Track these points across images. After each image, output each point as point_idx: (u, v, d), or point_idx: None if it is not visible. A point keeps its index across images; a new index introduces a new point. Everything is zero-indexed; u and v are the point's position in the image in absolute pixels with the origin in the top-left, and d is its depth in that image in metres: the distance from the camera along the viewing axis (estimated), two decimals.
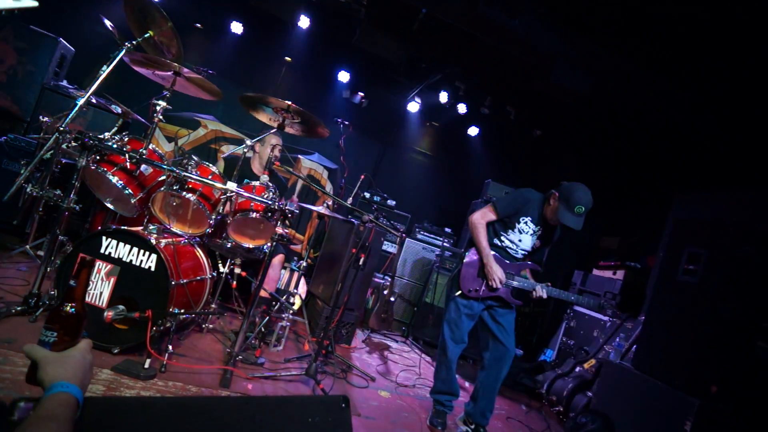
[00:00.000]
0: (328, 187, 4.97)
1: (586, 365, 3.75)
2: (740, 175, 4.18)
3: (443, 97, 6.01)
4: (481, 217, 2.75)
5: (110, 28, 3.11)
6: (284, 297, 3.20)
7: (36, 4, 1.78)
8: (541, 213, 2.76)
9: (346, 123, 4.37)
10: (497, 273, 2.65)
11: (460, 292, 2.74)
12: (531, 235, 2.78)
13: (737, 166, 4.24)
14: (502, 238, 2.79)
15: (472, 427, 2.79)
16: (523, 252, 2.82)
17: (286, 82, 6.03)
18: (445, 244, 5.27)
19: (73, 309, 0.92)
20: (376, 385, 3.21)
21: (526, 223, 2.75)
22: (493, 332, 2.79)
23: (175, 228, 2.70)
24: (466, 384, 3.89)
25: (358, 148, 6.02)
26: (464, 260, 2.77)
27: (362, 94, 6.19)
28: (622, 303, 4.19)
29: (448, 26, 4.41)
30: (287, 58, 5.96)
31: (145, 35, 2.80)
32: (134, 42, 2.71)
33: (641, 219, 5.44)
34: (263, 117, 2.94)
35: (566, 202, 2.59)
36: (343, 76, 5.97)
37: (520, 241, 2.78)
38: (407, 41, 4.76)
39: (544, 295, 2.68)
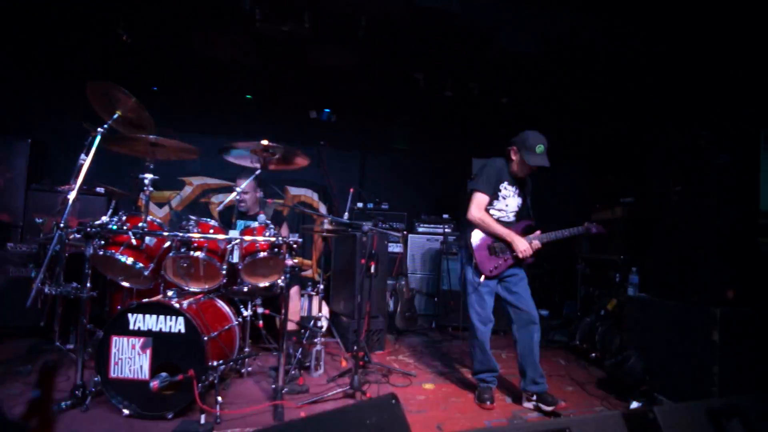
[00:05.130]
0: (323, 209, 5.08)
1: (609, 306, 3.88)
2: (702, 100, 4.30)
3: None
4: (478, 209, 2.88)
5: (83, 124, 3.21)
6: (311, 323, 3.31)
7: None
8: (509, 172, 2.96)
9: (322, 143, 4.49)
10: (522, 245, 2.81)
11: (483, 276, 2.86)
12: (513, 195, 2.98)
13: (696, 94, 4.36)
14: (492, 211, 2.95)
15: (534, 398, 2.86)
16: (513, 212, 3.02)
17: (253, 120, 6.14)
18: (446, 230, 5.39)
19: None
20: (418, 380, 3.32)
21: (505, 188, 2.95)
22: (511, 303, 2.91)
23: (192, 287, 2.80)
24: (503, 355, 4.01)
25: (340, 162, 6.12)
26: (473, 246, 2.89)
27: (329, 110, 6.31)
28: (627, 238, 4.32)
29: (390, 25, 4.53)
30: (247, 96, 6.07)
31: (114, 116, 2.91)
32: (105, 126, 2.82)
33: (627, 155, 5.58)
34: (244, 161, 3.05)
35: (526, 149, 2.82)
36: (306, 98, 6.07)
37: (507, 206, 2.97)
38: (358, 49, 4.88)
39: (539, 244, 2.85)
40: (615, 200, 4.68)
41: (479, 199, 2.88)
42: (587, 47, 4.67)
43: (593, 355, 3.74)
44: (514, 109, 6.34)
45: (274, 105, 6.19)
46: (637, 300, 3.33)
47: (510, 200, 2.97)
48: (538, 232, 2.90)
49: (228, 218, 3.10)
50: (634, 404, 2.87)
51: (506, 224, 2.94)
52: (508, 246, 2.86)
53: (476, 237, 2.90)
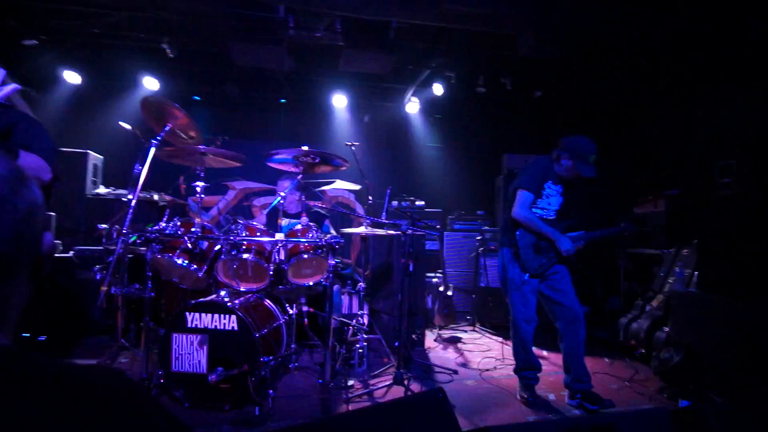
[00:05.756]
0: (359, 209, 5.20)
1: (654, 302, 3.78)
2: (743, 76, 4.08)
3: (438, 89, 6.14)
4: (523, 208, 2.85)
5: (132, 130, 3.49)
6: (354, 320, 3.41)
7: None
8: (554, 172, 2.94)
9: (356, 144, 4.57)
10: (566, 245, 2.82)
11: (528, 274, 2.87)
12: (557, 195, 2.96)
13: (736, 69, 4.14)
14: (535, 209, 2.92)
15: (578, 396, 2.85)
16: (554, 211, 2.98)
17: (288, 124, 6.34)
18: (483, 227, 5.40)
19: None
20: (459, 377, 3.37)
21: (549, 187, 2.93)
22: (556, 300, 2.91)
23: (242, 287, 2.96)
24: (544, 353, 3.98)
25: (374, 162, 6.22)
26: (519, 245, 2.88)
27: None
28: (671, 232, 4.18)
29: (419, 27, 4.59)
30: (281, 100, 6.28)
31: (166, 128, 3.11)
32: (159, 138, 3.03)
33: (667, 145, 5.38)
34: (285, 166, 3.19)
35: (580, 158, 2.80)
36: (339, 101, 6.21)
37: (549, 204, 2.95)
38: (388, 52, 4.94)
39: (582, 244, 2.89)
40: (658, 192, 4.54)
41: (525, 198, 2.86)
42: (610, 38, 4.53)
43: (639, 351, 3.66)
44: (548, 102, 6.24)
45: (308, 110, 6.37)
46: (686, 295, 3.23)
47: (552, 199, 2.95)
48: (581, 232, 2.90)
49: (273, 221, 3.25)
50: (683, 403, 2.81)
51: (549, 223, 2.92)
52: (553, 245, 2.86)
53: (522, 235, 2.89)
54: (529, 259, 2.86)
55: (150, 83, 5.55)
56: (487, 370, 3.55)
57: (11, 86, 2.33)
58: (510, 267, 2.96)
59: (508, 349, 3.54)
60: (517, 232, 2.89)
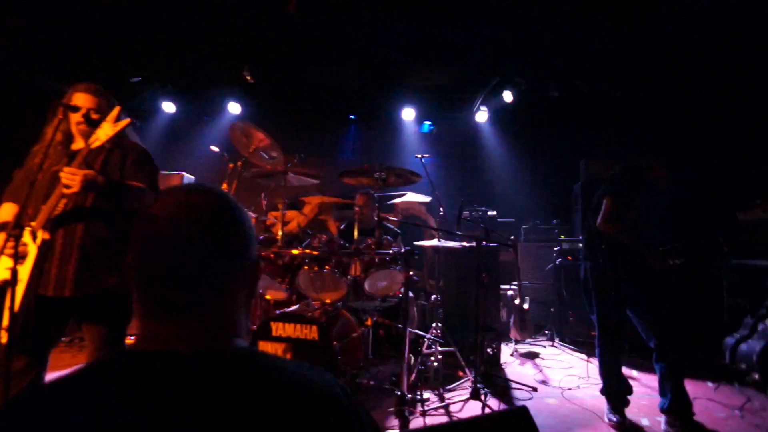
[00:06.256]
0: (432, 221, 5.21)
1: None
2: None
3: (508, 96, 5.99)
4: (609, 220, 2.64)
5: (220, 153, 3.81)
6: (429, 332, 3.41)
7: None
8: (638, 182, 2.74)
9: (426, 156, 4.60)
10: (657, 258, 2.62)
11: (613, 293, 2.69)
12: (642, 205, 2.74)
13: None
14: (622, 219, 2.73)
15: (678, 423, 2.59)
16: (641, 222, 2.74)
17: (359, 139, 6.56)
18: (560, 237, 5.15)
19: None
20: (539, 395, 3.22)
21: (638, 195, 2.73)
22: (648, 318, 2.68)
23: (321, 298, 3.10)
24: (634, 373, 3.68)
25: (445, 173, 6.21)
26: (608, 255, 2.71)
27: (429, 122, 6.47)
28: None
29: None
30: (351, 116, 6.52)
31: (251, 150, 3.38)
32: (243, 159, 3.31)
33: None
34: (362, 180, 3.29)
35: None
36: (408, 114, 6.29)
37: (639, 215, 2.72)
38: (456, 64, 4.96)
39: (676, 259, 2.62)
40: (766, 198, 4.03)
41: (610, 208, 2.65)
42: None
43: (754, 377, 3.25)
44: (629, 102, 5.82)
45: (378, 126, 6.55)
46: None
47: (638, 210, 2.73)
48: (675, 244, 2.66)
49: (349, 234, 3.37)
50: None
51: (638, 233, 2.71)
52: (642, 258, 2.64)
53: (611, 245, 2.70)
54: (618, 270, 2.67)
55: (234, 108, 6.08)
56: (570, 388, 3.35)
57: (125, 120, 2.66)
58: (593, 281, 2.79)
59: (593, 366, 3.33)
60: (604, 242, 2.72)
